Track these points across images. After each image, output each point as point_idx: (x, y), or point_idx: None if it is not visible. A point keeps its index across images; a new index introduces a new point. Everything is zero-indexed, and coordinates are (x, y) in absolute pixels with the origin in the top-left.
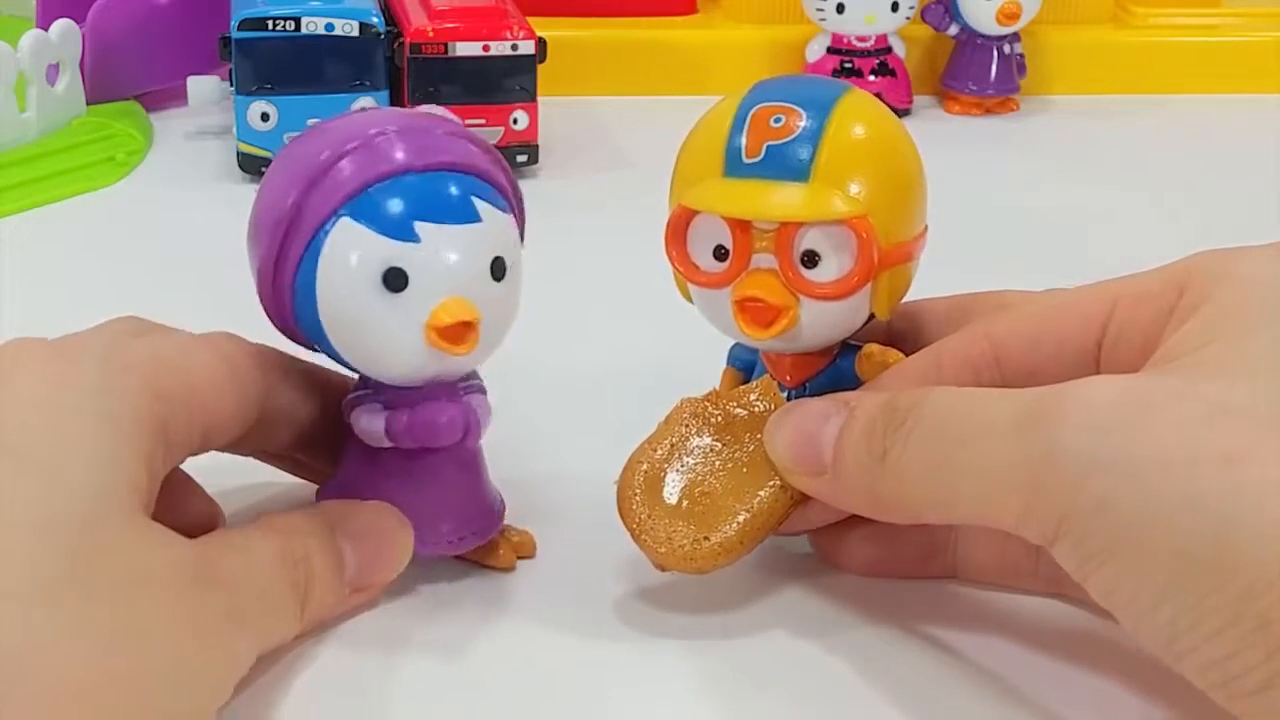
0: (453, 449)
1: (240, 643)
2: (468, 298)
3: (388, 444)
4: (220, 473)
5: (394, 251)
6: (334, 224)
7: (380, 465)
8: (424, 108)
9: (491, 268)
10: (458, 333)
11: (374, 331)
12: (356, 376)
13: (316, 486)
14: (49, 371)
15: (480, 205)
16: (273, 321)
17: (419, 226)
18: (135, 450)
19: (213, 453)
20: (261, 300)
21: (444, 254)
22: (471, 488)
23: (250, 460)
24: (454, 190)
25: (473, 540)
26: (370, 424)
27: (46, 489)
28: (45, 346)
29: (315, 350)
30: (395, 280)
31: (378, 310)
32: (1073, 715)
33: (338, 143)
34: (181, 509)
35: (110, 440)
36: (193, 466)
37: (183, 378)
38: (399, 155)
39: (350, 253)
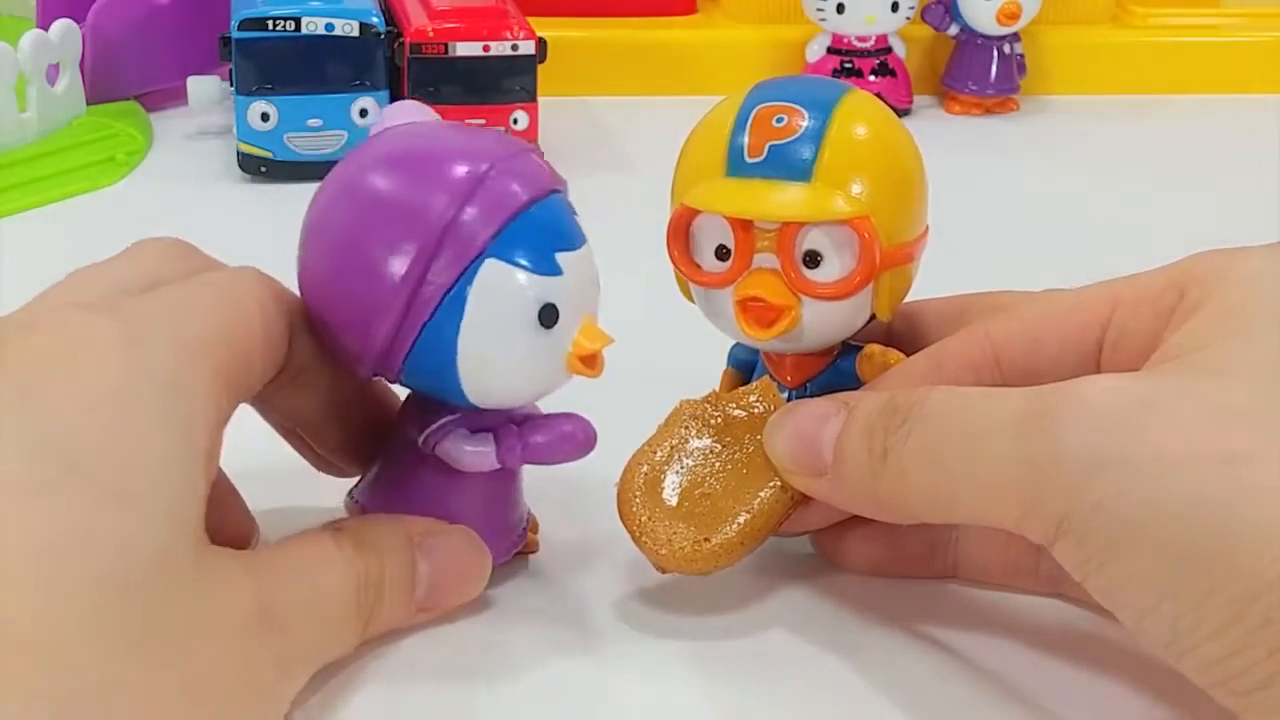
0: (505, 471)
1: (289, 686)
2: (593, 318)
3: (493, 468)
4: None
5: (546, 288)
6: (479, 269)
7: (420, 480)
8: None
9: (598, 281)
10: (597, 358)
11: (520, 367)
12: (410, 404)
13: (316, 470)
14: (121, 361)
15: (579, 225)
16: (354, 364)
17: (560, 258)
18: (205, 459)
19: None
20: (351, 330)
21: (581, 282)
22: (508, 504)
23: (277, 470)
24: (566, 213)
25: (504, 556)
26: (473, 450)
27: (116, 517)
28: (115, 325)
29: (387, 379)
30: (550, 317)
31: (528, 346)
32: (1073, 715)
33: (446, 186)
34: (220, 519)
35: (185, 453)
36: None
37: (239, 345)
38: (518, 189)
39: (503, 296)
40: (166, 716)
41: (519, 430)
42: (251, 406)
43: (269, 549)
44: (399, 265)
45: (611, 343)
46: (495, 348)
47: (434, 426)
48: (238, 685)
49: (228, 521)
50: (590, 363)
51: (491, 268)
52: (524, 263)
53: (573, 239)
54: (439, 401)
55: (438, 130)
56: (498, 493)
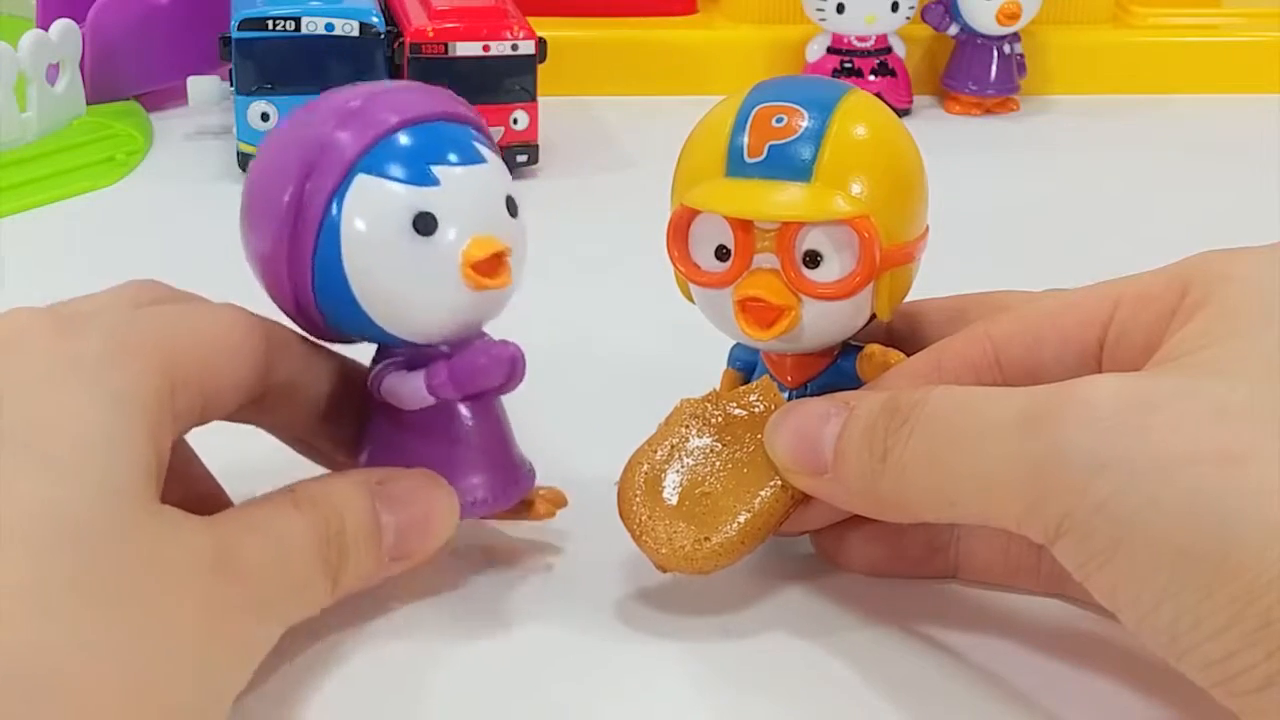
0: (479, 406)
1: (260, 630)
2: (492, 233)
3: (429, 402)
4: (236, 451)
5: (418, 197)
6: (350, 184)
7: (407, 432)
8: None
9: (507, 205)
10: (493, 265)
11: (409, 281)
12: (371, 359)
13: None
14: (52, 346)
15: (481, 148)
16: (288, 312)
17: (436, 170)
18: (143, 429)
19: (233, 438)
20: (273, 290)
21: (465, 194)
22: (500, 446)
23: (267, 440)
24: (461, 138)
25: (507, 498)
26: (408, 384)
27: (53, 480)
28: (48, 317)
29: (335, 338)
30: (425, 224)
31: (410, 258)
32: (1073, 715)
33: (325, 118)
34: (184, 485)
35: (118, 421)
36: (214, 447)
37: (187, 346)
38: (395, 112)
39: (374, 206)
40: (127, 658)
41: (448, 360)
42: (258, 427)
43: (227, 510)
44: (283, 197)
45: (504, 250)
46: (376, 262)
47: (376, 369)
48: (203, 628)
49: (205, 507)
50: (486, 270)
51: (361, 182)
52: (393, 174)
53: (459, 156)
54: (389, 348)
55: (339, 89)
56: (482, 435)
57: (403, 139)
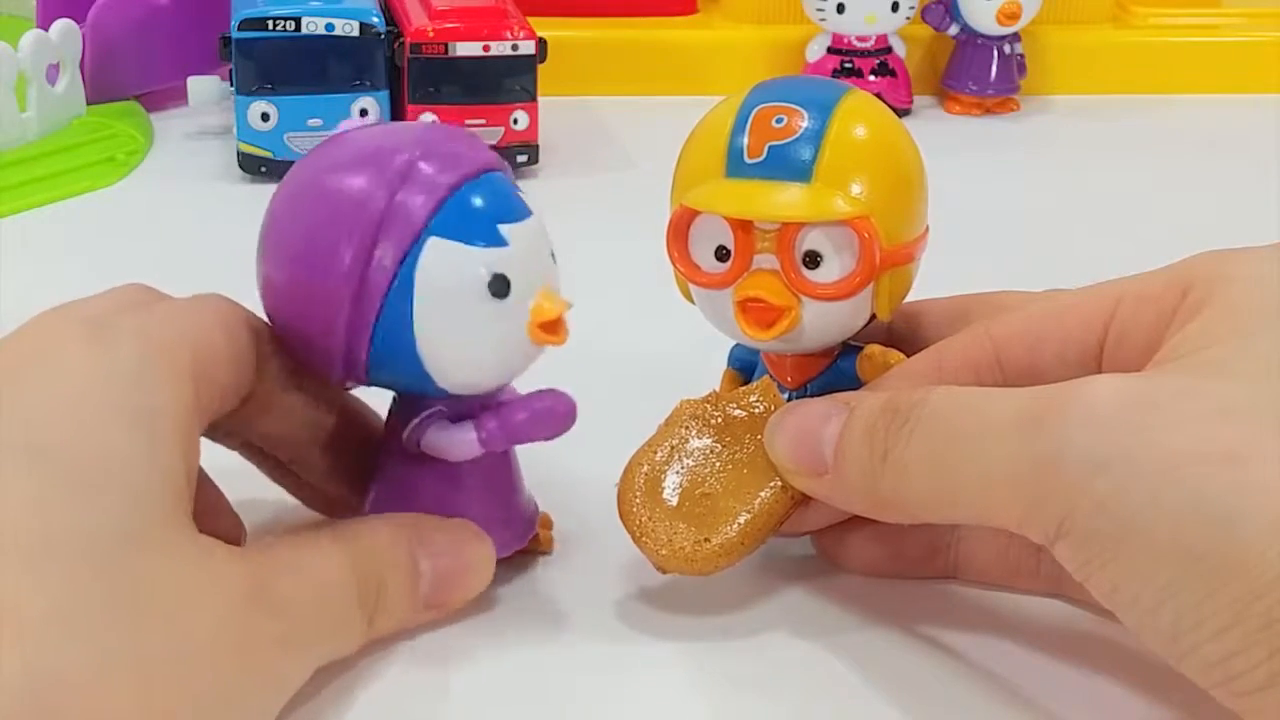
0: (498, 454)
1: (291, 667)
2: (550, 287)
3: (478, 453)
4: (242, 486)
5: (492, 258)
6: (421, 248)
7: (419, 477)
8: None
9: (552, 255)
10: (559, 324)
11: (480, 341)
12: (392, 407)
13: (314, 510)
14: (85, 358)
15: (525, 200)
16: (325, 367)
17: (504, 230)
18: (176, 446)
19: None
20: (306, 335)
21: (530, 251)
22: (512, 491)
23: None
24: (507, 189)
25: (517, 542)
26: (453, 436)
27: (87, 501)
28: (79, 325)
29: (361, 384)
30: (501, 286)
31: (484, 319)
32: (1073, 715)
33: (379, 175)
34: (206, 523)
35: (151, 440)
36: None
37: (205, 344)
38: (448, 170)
39: (451, 271)
40: (153, 685)
41: (498, 412)
42: (236, 450)
43: (262, 542)
44: (343, 259)
45: (570, 307)
46: (451, 325)
47: (416, 421)
48: (233, 659)
49: (214, 526)
50: (552, 329)
51: (435, 245)
52: (467, 236)
53: (516, 212)
54: (419, 397)
55: (369, 130)
56: (496, 483)
57: (464, 198)
